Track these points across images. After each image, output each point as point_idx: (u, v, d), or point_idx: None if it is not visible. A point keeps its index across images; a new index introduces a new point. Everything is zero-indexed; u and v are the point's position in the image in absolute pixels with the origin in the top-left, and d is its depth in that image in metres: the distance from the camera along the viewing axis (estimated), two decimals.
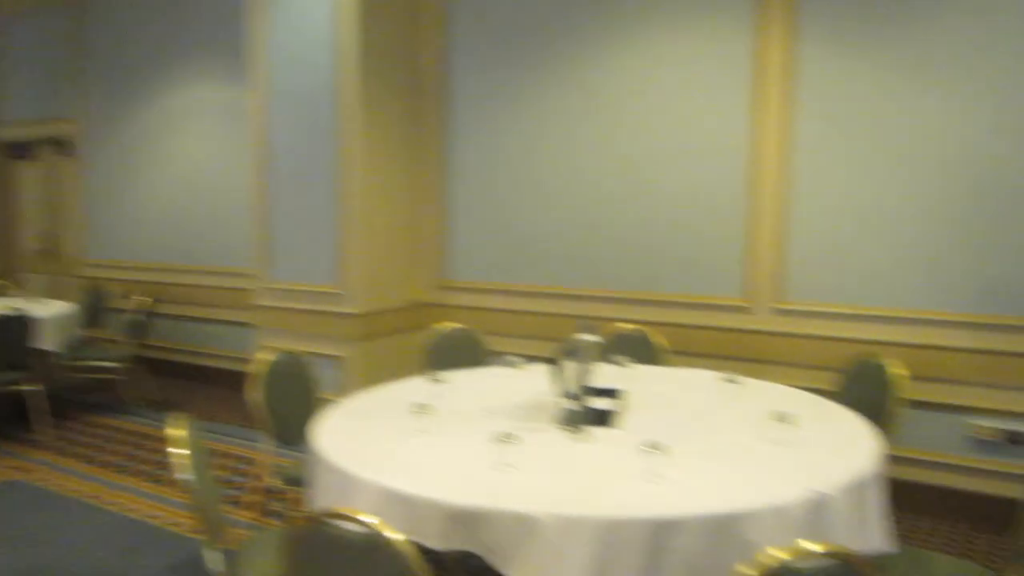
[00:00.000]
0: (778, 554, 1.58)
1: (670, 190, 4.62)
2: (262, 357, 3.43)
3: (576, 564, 1.95)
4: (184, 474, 2.30)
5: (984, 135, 3.81)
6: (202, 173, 6.80)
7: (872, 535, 2.31)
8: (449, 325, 4.12)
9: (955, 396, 3.92)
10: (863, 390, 3.29)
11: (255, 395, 3.31)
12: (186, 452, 2.32)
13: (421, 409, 2.68)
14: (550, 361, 2.78)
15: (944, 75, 3.87)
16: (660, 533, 1.97)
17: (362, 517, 1.73)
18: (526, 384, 3.19)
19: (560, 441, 2.53)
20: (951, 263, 3.92)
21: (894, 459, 3.90)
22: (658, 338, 4.00)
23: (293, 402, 3.41)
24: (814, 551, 1.59)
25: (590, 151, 4.86)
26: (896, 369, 3.20)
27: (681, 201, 4.59)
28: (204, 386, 6.71)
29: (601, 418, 2.68)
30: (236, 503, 4.13)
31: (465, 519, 2.03)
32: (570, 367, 2.71)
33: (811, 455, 2.41)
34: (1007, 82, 3.74)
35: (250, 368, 3.41)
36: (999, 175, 3.79)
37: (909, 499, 3.98)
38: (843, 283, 4.18)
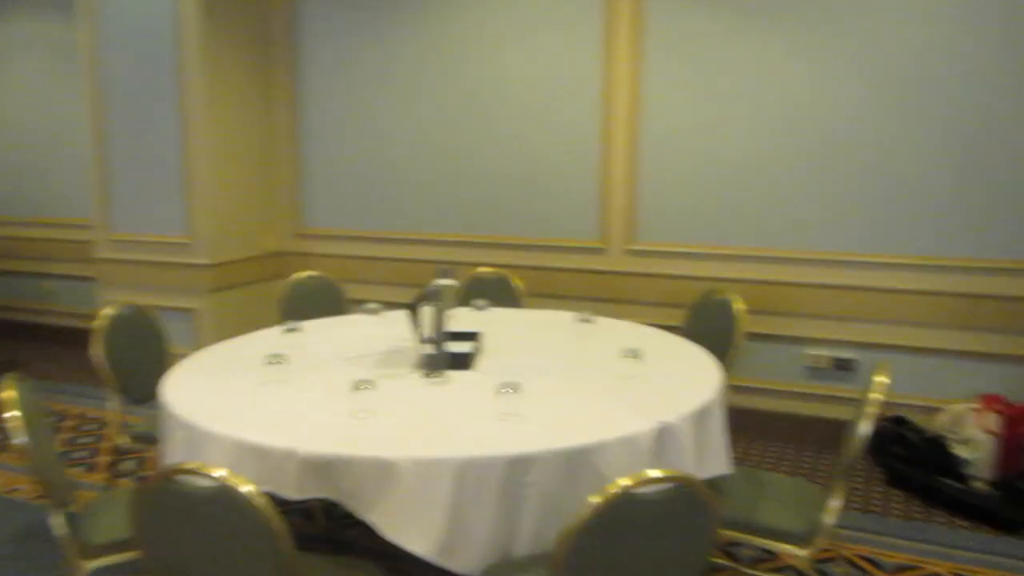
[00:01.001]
0: (623, 482, 1.66)
1: (527, 135, 4.65)
2: (105, 312, 3.26)
3: (435, 505, 1.99)
4: (19, 437, 2.17)
5: (825, 82, 4.03)
6: (30, 116, 6.28)
7: (714, 459, 2.47)
8: (305, 274, 4.04)
9: (791, 328, 4.20)
10: (708, 325, 3.47)
11: (97, 352, 3.15)
12: (18, 414, 2.19)
13: (276, 360, 2.62)
14: (408, 307, 2.78)
15: (789, 21, 4.05)
16: (516, 469, 2.03)
17: (211, 471, 1.69)
18: (385, 331, 3.18)
19: (418, 386, 2.54)
20: (784, 204, 4.16)
21: (737, 388, 4.19)
22: (517, 281, 4.06)
23: (140, 358, 3.27)
24: (656, 477, 1.68)
25: (445, 96, 4.81)
26: (737, 304, 3.39)
27: (538, 146, 4.63)
28: (48, 345, 6.30)
29: (459, 361, 2.71)
30: (86, 465, 3.95)
31: (322, 467, 2.02)
32: (427, 312, 2.72)
33: (658, 388, 2.53)
34: (852, 29, 3.96)
35: (93, 324, 3.23)
36: (837, 121, 4.03)
37: (751, 425, 4.27)
38: (690, 224, 4.36)
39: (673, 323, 3.57)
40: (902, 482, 3.77)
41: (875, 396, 2.41)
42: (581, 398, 2.46)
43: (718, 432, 2.51)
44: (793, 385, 4.25)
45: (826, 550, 3.02)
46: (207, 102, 4.72)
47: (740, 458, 4.05)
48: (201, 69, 4.67)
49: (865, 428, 2.39)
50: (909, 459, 3.78)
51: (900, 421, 3.94)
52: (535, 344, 3.09)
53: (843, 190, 4.06)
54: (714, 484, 2.55)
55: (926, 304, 3.97)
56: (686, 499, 1.70)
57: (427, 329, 2.71)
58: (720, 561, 3.04)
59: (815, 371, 4.21)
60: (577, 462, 2.08)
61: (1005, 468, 3.60)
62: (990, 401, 3.74)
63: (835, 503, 2.45)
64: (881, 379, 2.45)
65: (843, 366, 4.17)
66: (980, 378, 3.92)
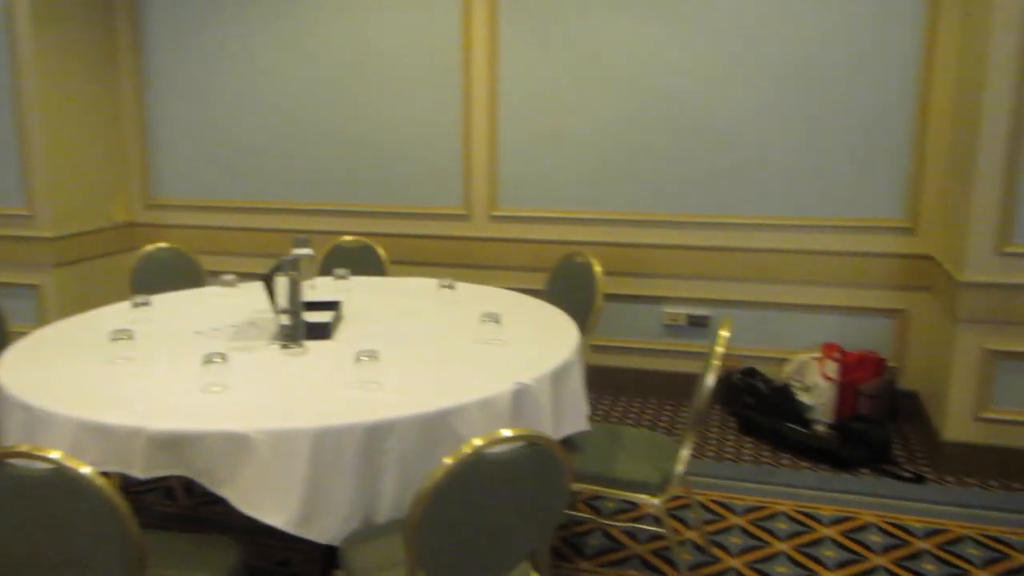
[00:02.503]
0: (476, 442, 1.69)
1: (387, 104, 4.59)
2: None
3: (291, 476, 1.97)
4: None
5: (681, 49, 4.15)
6: None
7: (572, 417, 2.54)
8: (157, 245, 3.86)
9: (649, 288, 4.36)
10: (569, 287, 3.56)
11: None
12: None
13: (123, 335, 2.51)
14: (263, 278, 2.71)
15: (638, 2, 4.15)
16: (373, 436, 2.03)
17: (45, 453, 1.61)
18: (242, 303, 3.10)
19: (275, 357, 2.50)
20: (640, 169, 4.29)
21: (599, 348, 4.34)
22: (381, 249, 4.02)
23: None
24: (508, 436, 1.71)
25: (306, 62, 4.68)
26: (596, 266, 3.48)
27: (399, 114, 4.58)
28: None
29: (318, 331, 2.67)
30: None
31: (171, 444, 1.96)
32: (284, 282, 2.66)
33: (517, 350, 2.58)
34: (700, 12, 4.08)
35: None
36: (692, 87, 4.17)
37: (614, 382, 4.43)
38: (551, 189, 4.43)
39: (536, 287, 3.64)
40: (753, 430, 4.00)
41: (718, 349, 2.54)
42: (440, 363, 2.48)
43: (576, 391, 2.59)
44: (652, 343, 4.42)
45: (681, 497, 3.17)
46: (40, 60, 4.41)
47: (604, 414, 4.20)
48: (32, 23, 4.34)
49: (710, 380, 2.51)
50: (759, 408, 4.01)
51: (751, 373, 4.17)
52: (396, 312, 3.08)
53: (696, 154, 4.21)
54: (573, 441, 2.65)
55: (772, 261, 4.19)
56: (538, 457, 1.75)
57: (283, 299, 2.65)
58: (582, 515, 3.15)
59: (672, 328, 4.39)
60: (435, 426, 2.10)
61: (842, 411, 3.89)
62: (829, 350, 4.01)
63: (685, 453, 2.58)
64: (723, 333, 2.58)
65: (698, 323, 4.36)
66: (821, 329, 4.19)
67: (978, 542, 3.01)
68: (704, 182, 4.23)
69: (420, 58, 4.50)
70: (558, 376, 2.45)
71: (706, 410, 2.61)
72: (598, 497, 3.19)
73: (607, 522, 3.13)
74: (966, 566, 2.86)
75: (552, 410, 2.41)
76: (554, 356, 2.50)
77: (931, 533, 3.07)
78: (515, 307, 3.05)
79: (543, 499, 1.81)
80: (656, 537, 2.99)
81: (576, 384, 2.59)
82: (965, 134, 3.60)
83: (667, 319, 4.39)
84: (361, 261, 3.91)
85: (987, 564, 2.88)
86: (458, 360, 2.51)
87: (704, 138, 4.20)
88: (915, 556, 2.92)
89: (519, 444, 1.73)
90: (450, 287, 3.24)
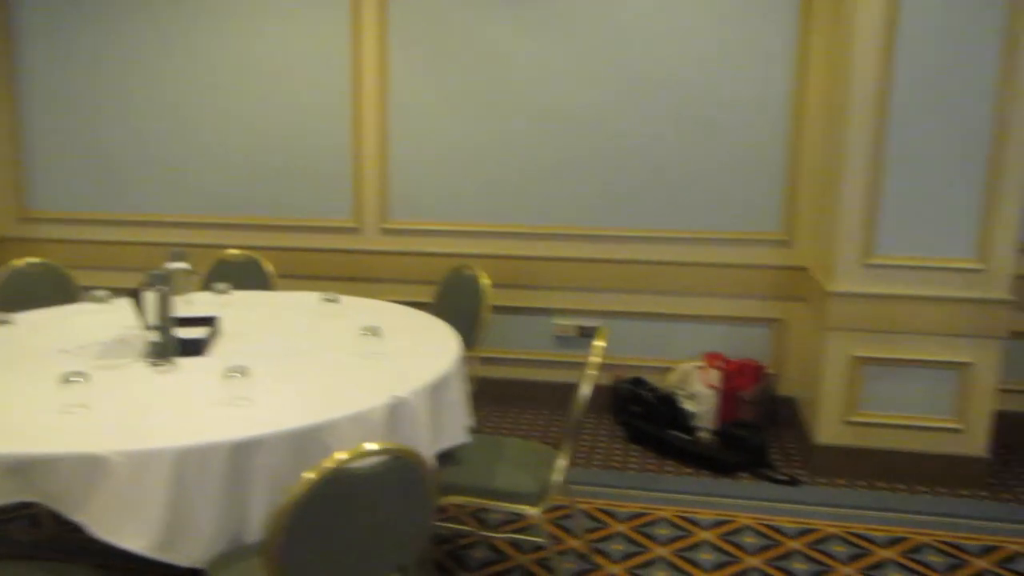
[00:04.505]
0: (339, 456, 1.67)
1: (275, 116, 4.52)
2: None
3: (151, 498, 1.90)
4: None
5: (568, 64, 4.23)
6: None
7: (451, 430, 2.55)
8: (27, 260, 3.68)
9: (539, 300, 4.41)
10: (457, 300, 3.57)
11: None
12: None
13: None
14: (131, 293, 2.62)
15: (534, 4, 4.20)
16: (240, 455, 1.98)
17: None
18: (113, 319, 2.98)
19: (142, 376, 2.41)
20: (529, 182, 4.35)
21: (489, 360, 4.35)
22: (268, 263, 3.94)
23: None
24: (372, 450, 1.71)
25: (188, 72, 4.56)
26: (483, 279, 3.50)
27: (287, 127, 4.52)
28: None
29: (190, 348, 2.60)
30: None
31: (21, 469, 1.87)
32: (155, 297, 2.58)
33: (396, 364, 2.57)
34: (596, 13, 4.17)
35: None
36: (578, 102, 4.25)
37: (504, 394, 4.45)
38: (442, 202, 4.45)
39: (428, 300, 3.64)
40: (640, 438, 4.09)
41: (594, 360, 2.59)
42: (315, 378, 2.45)
43: (456, 403, 2.59)
44: (543, 354, 4.48)
45: (563, 507, 3.21)
46: None
47: (494, 427, 4.22)
48: None
49: (586, 390, 2.56)
50: (645, 416, 4.10)
51: (637, 382, 4.26)
52: (275, 327, 3.03)
53: (586, 169, 4.30)
54: (453, 454, 2.65)
55: (658, 273, 4.31)
56: (403, 470, 1.75)
57: (154, 315, 2.57)
58: (463, 527, 3.15)
59: (563, 339, 4.46)
60: (307, 442, 2.07)
61: (724, 417, 4.01)
62: (712, 359, 4.14)
63: (563, 462, 2.62)
64: (599, 344, 2.63)
65: (588, 334, 4.43)
66: (705, 338, 4.32)
67: (844, 540, 3.16)
68: (593, 196, 4.32)
69: (307, 68, 4.45)
70: (437, 389, 2.45)
71: (583, 420, 2.65)
72: (484, 509, 3.19)
73: (488, 534, 3.14)
74: (832, 563, 3.00)
75: (430, 423, 2.41)
76: (433, 369, 2.50)
77: (802, 533, 3.20)
78: (398, 321, 3.04)
79: (409, 513, 1.81)
80: (539, 547, 3.02)
81: (456, 396, 2.60)
82: (832, 156, 3.79)
83: (557, 330, 4.45)
84: (246, 275, 3.83)
85: (851, 560, 3.02)
86: (334, 375, 2.49)
87: (593, 154, 4.28)
88: (786, 556, 3.04)
89: (384, 458, 1.72)
90: (333, 301, 3.21)
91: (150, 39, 4.56)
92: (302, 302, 3.34)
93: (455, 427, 2.56)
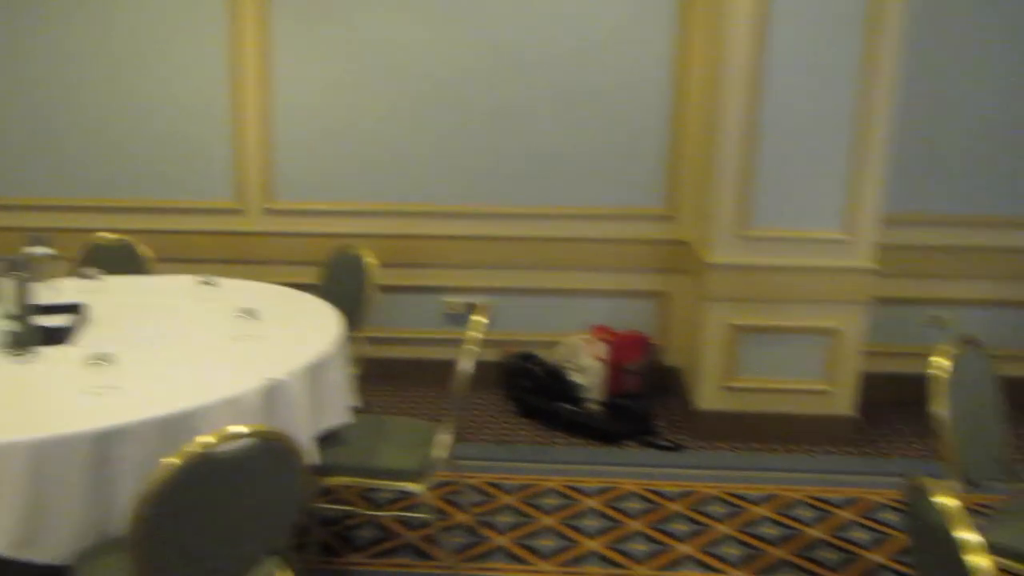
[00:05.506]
0: (204, 439, 1.64)
1: (151, 91, 4.33)
2: None
3: (7, 494, 1.82)
4: None
5: (450, 45, 4.20)
6: None
7: (333, 411, 2.53)
8: None
9: (427, 278, 4.41)
10: (342, 280, 3.52)
11: None
12: None
13: None
14: None
15: None
16: (105, 445, 1.92)
17: None
18: None
19: None
20: (414, 161, 4.32)
21: (378, 340, 4.31)
22: (144, 247, 3.80)
23: None
24: (238, 433, 1.68)
25: (55, 50, 4.31)
26: (368, 258, 3.47)
27: (165, 101, 4.34)
28: None
29: (53, 337, 2.49)
30: None
31: None
32: (12, 285, 2.45)
33: (273, 346, 2.52)
34: (477, 10, 4.15)
35: None
36: (460, 81, 4.23)
37: (395, 373, 4.42)
38: (328, 182, 4.37)
39: (311, 281, 3.58)
40: (531, 412, 4.15)
41: (475, 335, 2.61)
42: (187, 363, 2.39)
43: (338, 384, 2.58)
44: (432, 332, 4.48)
45: (452, 483, 3.24)
46: None
47: (382, 406, 4.18)
48: None
49: (467, 366, 2.58)
50: (535, 390, 4.17)
51: (526, 357, 4.31)
52: (147, 312, 2.92)
53: (472, 147, 4.30)
54: (336, 434, 2.63)
55: (546, 249, 4.36)
56: (272, 453, 1.73)
57: (12, 303, 2.44)
58: (346, 508, 3.13)
59: (452, 317, 4.47)
60: (177, 429, 2.01)
61: (612, 389, 4.11)
62: (599, 332, 4.23)
63: (446, 438, 2.64)
64: (478, 320, 2.66)
65: (479, 311, 4.45)
66: (592, 312, 4.40)
67: (722, 500, 3.30)
68: (479, 174, 4.33)
69: (182, 43, 4.28)
70: (316, 370, 2.43)
71: (468, 395, 2.67)
72: (374, 489, 3.19)
73: (374, 513, 3.14)
74: (710, 522, 3.13)
75: (310, 405, 2.39)
76: (312, 350, 2.47)
77: (682, 496, 3.33)
78: (278, 303, 2.99)
79: (279, 496, 1.79)
80: (427, 524, 3.03)
81: (338, 377, 2.58)
82: (709, 133, 3.91)
83: (446, 308, 4.46)
84: (120, 260, 3.67)
85: (728, 518, 3.16)
86: (207, 359, 2.43)
87: (478, 132, 4.28)
88: (667, 519, 3.15)
89: (252, 441, 1.70)
90: (210, 284, 3.11)
91: (11, 14, 4.29)
92: (177, 286, 3.23)
93: (337, 408, 2.55)
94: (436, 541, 2.92)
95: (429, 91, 4.26)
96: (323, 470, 2.52)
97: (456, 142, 4.30)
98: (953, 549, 1.41)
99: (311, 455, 2.32)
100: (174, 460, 1.61)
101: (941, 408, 2.32)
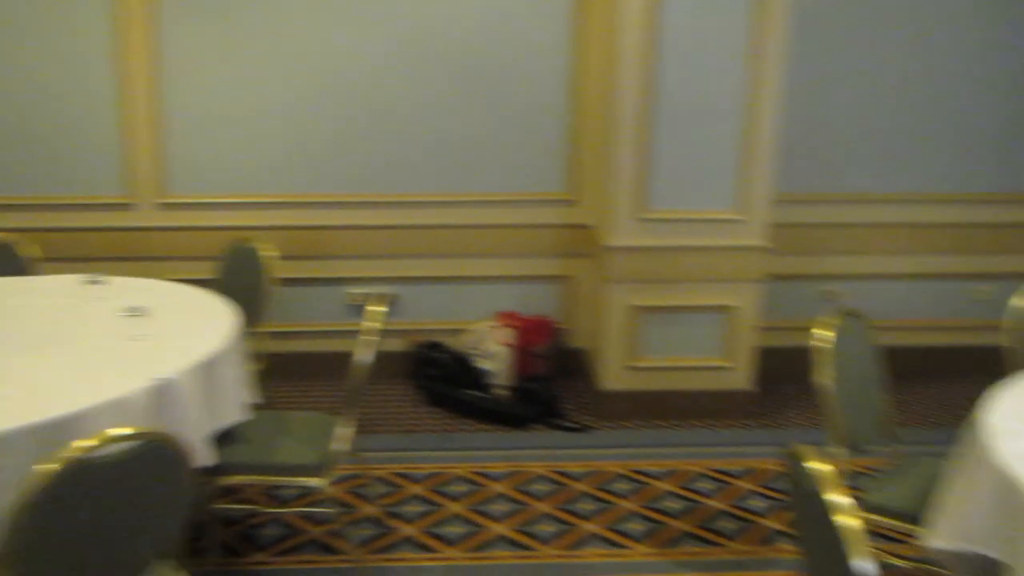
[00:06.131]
0: (83, 443, 1.58)
1: (24, 79, 4.12)
2: None
3: None
4: None
5: (346, 32, 4.12)
6: None
7: (228, 408, 2.48)
8: None
9: (331, 270, 4.34)
10: (239, 275, 3.44)
11: None
12: None
13: None
14: None
15: None
16: None
17: None
18: None
19: None
20: (313, 150, 4.24)
21: (280, 334, 4.23)
22: (29, 247, 3.62)
23: None
24: (120, 435, 1.63)
25: None
26: (265, 251, 3.40)
27: (49, 99, 4.12)
28: None
29: None
30: None
31: None
32: None
33: (163, 345, 2.45)
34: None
35: None
36: (357, 70, 4.16)
37: (299, 368, 4.35)
38: (225, 174, 4.25)
39: (207, 276, 3.48)
40: (439, 400, 4.15)
41: (372, 326, 2.59)
42: (70, 366, 2.29)
43: (233, 380, 2.52)
44: (337, 324, 4.41)
45: (358, 476, 3.22)
46: None
47: (285, 402, 4.10)
48: None
49: (364, 356, 2.56)
50: (442, 378, 4.16)
51: (433, 345, 4.31)
52: (27, 314, 2.79)
53: (366, 134, 4.23)
54: (233, 432, 2.57)
55: (450, 236, 4.35)
56: (156, 455, 1.68)
57: None
58: (247, 506, 3.08)
59: (357, 308, 4.40)
60: (59, 435, 1.92)
61: (520, 373, 4.14)
62: (505, 317, 4.26)
63: (346, 431, 2.61)
64: (374, 309, 2.64)
65: (385, 301, 4.41)
66: (498, 298, 4.42)
67: (626, 477, 3.37)
68: (379, 162, 4.28)
69: (62, 34, 4.08)
70: (209, 367, 2.37)
71: (370, 386, 2.65)
72: (277, 486, 3.14)
73: (276, 510, 3.09)
74: (615, 500, 3.20)
75: (203, 403, 2.33)
76: (204, 347, 2.41)
77: (588, 475, 3.38)
78: (169, 299, 2.89)
79: (165, 499, 1.75)
80: (332, 518, 3.01)
81: (233, 374, 2.53)
82: (607, 119, 3.96)
83: (351, 299, 4.40)
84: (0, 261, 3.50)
85: (631, 495, 3.24)
86: (93, 360, 2.34)
87: (377, 120, 4.23)
88: (574, 499, 3.21)
89: (134, 443, 1.65)
90: (97, 283, 3.00)
91: None
92: (61, 286, 3.09)
93: (232, 405, 2.49)
94: (342, 535, 2.90)
95: (327, 80, 4.18)
96: (221, 469, 2.46)
97: (356, 131, 4.24)
98: (825, 511, 1.48)
99: (204, 455, 2.27)
100: (50, 466, 1.54)
101: (824, 378, 2.42)
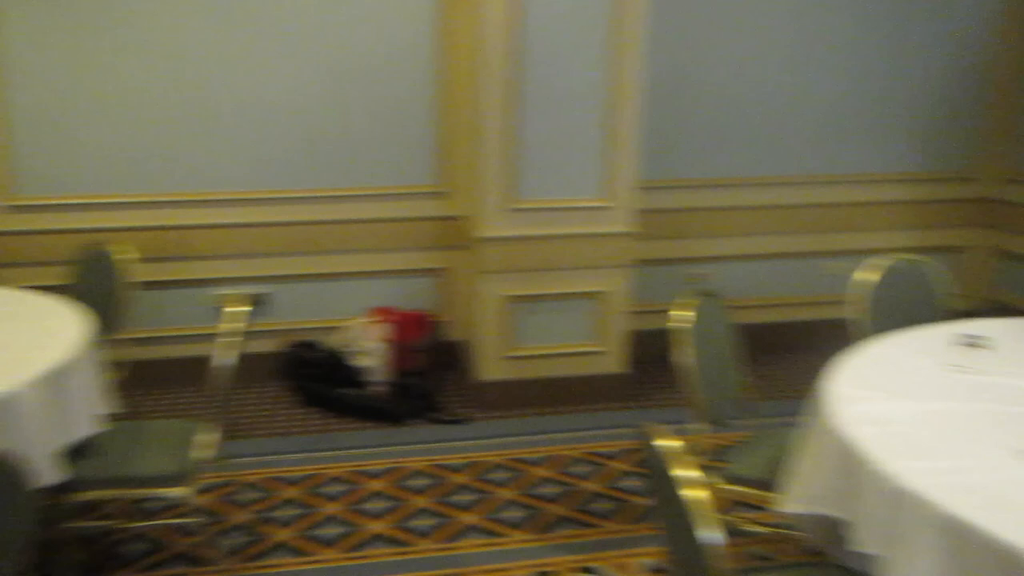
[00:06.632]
0: None
1: None
2: None
3: None
4: None
5: (196, 33, 3.96)
6: None
7: (79, 421, 2.36)
8: None
9: (196, 271, 4.18)
10: (93, 279, 3.28)
11: None
12: None
13: None
14: None
15: None
16: None
17: None
18: None
19: None
20: (173, 148, 4.07)
21: (141, 341, 4.06)
22: None
23: None
24: None
25: None
26: (122, 254, 3.25)
27: None
28: None
29: None
30: None
31: None
32: None
33: (3, 356, 2.31)
34: None
35: None
36: (212, 69, 4.01)
37: (162, 374, 4.17)
38: (77, 174, 4.02)
39: (61, 282, 3.30)
40: (316, 400, 4.06)
41: (230, 327, 2.52)
42: None
43: (85, 392, 2.41)
44: (205, 328, 4.24)
45: (229, 483, 3.13)
46: None
47: (150, 411, 3.94)
48: None
49: (225, 359, 2.48)
50: (318, 378, 4.08)
51: (307, 345, 4.22)
52: None
53: (230, 130, 4.09)
54: (87, 445, 2.45)
55: (321, 233, 4.26)
56: None
57: None
58: (111, 523, 2.94)
59: (231, 313, 4.27)
60: None
61: (398, 369, 4.11)
62: (380, 313, 4.21)
63: (210, 437, 2.53)
64: (230, 310, 2.57)
65: (256, 301, 4.29)
66: (373, 294, 4.36)
67: (505, 467, 3.40)
68: (245, 158, 4.14)
69: None
70: (56, 379, 2.25)
71: (231, 390, 2.57)
72: (140, 500, 3.00)
73: (136, 524, 2.95)
74: (494, 489, 3.22)
75: (50, 417, 2.21)
76: (50, 358, 2.28)
77: (467, 467, 3.39)
78: (12, 309, 2.73)
79: (2, 518, 1.64)
80: (195, 529, 2.90)
81: (84, 384, 2.41)
82: (475, 111, 3.96)
83: (217, 301, 4.25)
84: None
85: (508, 483, 3.27)
86: None
87: (240, 114, 4.09)
88: (453, 491, 3.21)
89: None
90: None
91: None
92: None
93: (83, 418, 2.38)
94: (212, 545, 2.80)
95: (189, 74, 4.01)
96: (74, 485, 2.34)
97: (220, 127, 4.08)
98: (673, 486, 1.53)
99: (51, 472, 2.15)
100: None
101: (684, 357, 2.50)
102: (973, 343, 2.29)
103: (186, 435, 2.58)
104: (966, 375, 2.22)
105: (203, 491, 2.53)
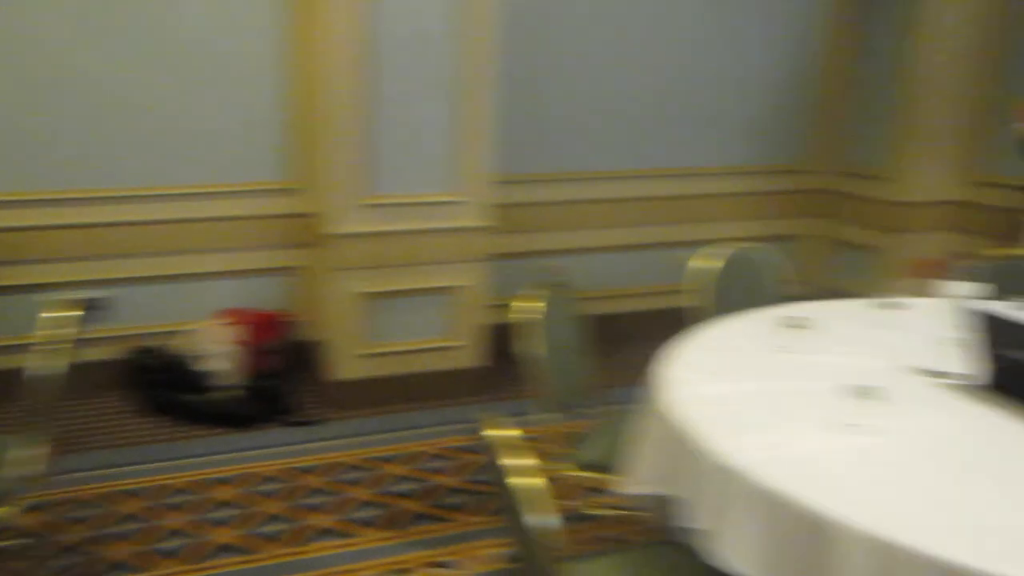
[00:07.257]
0: None
1: None
2: None
3: None
4: None
5: (44, 28, 3.68)
6: None
7: None
8: None
9: (22, 276, 3.89)
10: None
11: None
12: None
13: None
14: None
15: None
16: None
17: None
18: None
19: None
20: (10, 146, 3.81)
21: None
22: None
23: None
24: None
25: None
26: None
27: None
28: None
29: None
30: None
31: None
32: None
33: None
34: None
35: None
36: (57, 63, 3.75)
37: None
38: None
39: None
40: (163, 408, 3.87)
41: (51, 334, 2.37)
42: None
43: None
44: (33, 337, 3.98)
45: (61, 502, 2.94)
46: None
47: None
48: None
49: (49, 368, 2.33)
50: (164, 384, 3.90)
51: (150, 351, 4.02)
52: None
53: (68, 125, 3.82)
54: None
55: (162, 233, 4.04)
56: None
57: None
58: None
59: (51, 319, 4.00)
60: None
61: (250, 371, 3.97)
62: (231, 314, 4.06)
63: (33, 452, 2.37)
64: (48, 315, 2.41)
65: (94, 306, 4.04)
66: (222, 295, 4.19)
67: (358, 467, 3.35)
68: (84, 155, 3.86)
69: None
70: None
71: (54, 401, 2.41)
72: None
73: None
74: (348, 489, 3.17)
75: None
76: None
77: (319, 469, 3.32)
78: None
79: None
80: (22, 551, 2.71)
81: None
82: (325, 107, 3.87)
83: (49, 308, 3.98)
84: None
85: (362, 483, 3.22)
86: None
87: (83, 109, 3.82)
88: (306, 495, 3.13)
89: None
90: None
91: None
92: None
93: None
94: (41, 568, 2.63)
95: (29, 66, 3.72)
96: None
97: (57, 119, 3.81)
98: (503, 475, 1.54)
99: None
100: None
101: (532, 347, 2.53)
102: (797, 325, 2.42)
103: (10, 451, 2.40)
104: (791, 355, 2.34)
105: (29, 510, 2.35)
